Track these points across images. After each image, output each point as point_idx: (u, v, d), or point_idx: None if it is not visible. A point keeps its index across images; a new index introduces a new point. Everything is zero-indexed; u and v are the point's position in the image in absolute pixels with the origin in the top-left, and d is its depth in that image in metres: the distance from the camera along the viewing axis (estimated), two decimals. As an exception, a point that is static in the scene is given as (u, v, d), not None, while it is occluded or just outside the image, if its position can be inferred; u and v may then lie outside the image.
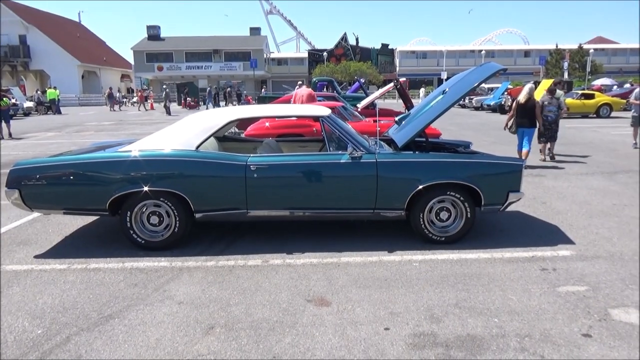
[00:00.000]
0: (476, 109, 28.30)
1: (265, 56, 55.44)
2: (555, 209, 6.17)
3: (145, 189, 4.55)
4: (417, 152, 5.02)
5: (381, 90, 14.22)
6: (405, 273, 4.16)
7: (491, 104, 25.96)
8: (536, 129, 9.14)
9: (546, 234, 5.11)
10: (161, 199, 4.66)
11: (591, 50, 45.39)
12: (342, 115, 10.00)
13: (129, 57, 55.28)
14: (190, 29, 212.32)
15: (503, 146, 12.10)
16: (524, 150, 9.01)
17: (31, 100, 31.35)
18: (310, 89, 11.57)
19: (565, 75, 38.27)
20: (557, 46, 51.14)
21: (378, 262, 4.41)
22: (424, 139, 6.17)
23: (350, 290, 3.84)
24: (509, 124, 9.45)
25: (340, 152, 4.72)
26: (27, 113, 29.00)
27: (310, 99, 11.19)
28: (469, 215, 4.77)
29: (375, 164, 4.65)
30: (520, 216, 5.84)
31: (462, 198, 4.73)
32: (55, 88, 32.23)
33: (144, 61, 52.35)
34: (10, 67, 45.48)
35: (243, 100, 37.11)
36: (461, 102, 31.40)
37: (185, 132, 4.82)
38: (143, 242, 4.75)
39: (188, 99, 34.76)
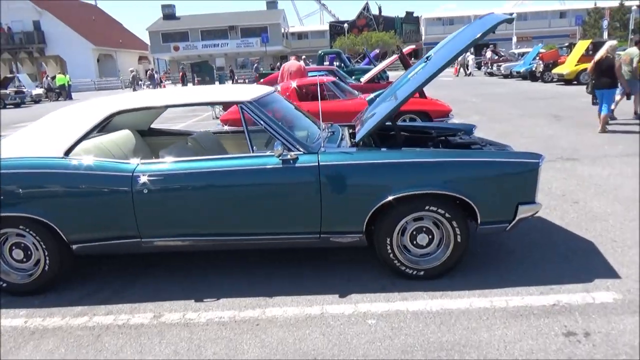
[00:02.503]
0: (505, 76, 25.92)
1: (283, 30, 53.46)
2: (591, 212, 4.54)
3: (-7, 215, 3.23)
4: (383, 149, 3.48)
5: (385, 62, 12.55)
6: (350, 343, 2.70)
7: (521, 70, 23.59)
8: (617, 89, 8.39)
9: (577, 260, 3.53)
10: (21, 226, 3.33)
11: (634, 7, 41.49)
12: (332, 90, 8.47)
13: (146, 39, 54.34)
14: (206, 6, 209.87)
15: (532, 119, 10.29)
16: (602, 114, 8.36)
17: (41, 87, 30.73)
18: (300, 63, 10.02)
19: (605, 36, 35.00)
20: (595, 4, 47.21)
21: (317, 318, 2.97)
22: (408, 125, 4.65)
23: (253, 380, 2.44)
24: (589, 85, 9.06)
25: (269, 153, 3.25)
26: (36, 100, 28.38)
27: (299, 74, 9.66)
28: (458, 239, 3.25)
29: (316, 168, 3.17)
30: (540, 226, 4.25)
31: (448, 215, 3.21)
32: (65, 73, 31.53)
33: (160, 42, 51.29)
34: (27, 54, 45.23)
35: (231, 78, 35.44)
36: (489, 70, 29.00)
37: (52, 132, 3.44)
38: (4, 284, 3.45)
39: (197, 78, 33.49)
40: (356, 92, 9.10)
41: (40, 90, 29.63)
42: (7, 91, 26.08)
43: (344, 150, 3.28)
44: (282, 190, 3.22)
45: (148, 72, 34.96)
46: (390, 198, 3.14)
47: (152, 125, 4.83)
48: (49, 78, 31.28)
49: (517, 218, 3.21)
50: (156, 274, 3.70)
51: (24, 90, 27.21)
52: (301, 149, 3.23)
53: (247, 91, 3.51)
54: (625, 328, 2.66)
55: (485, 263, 3.56)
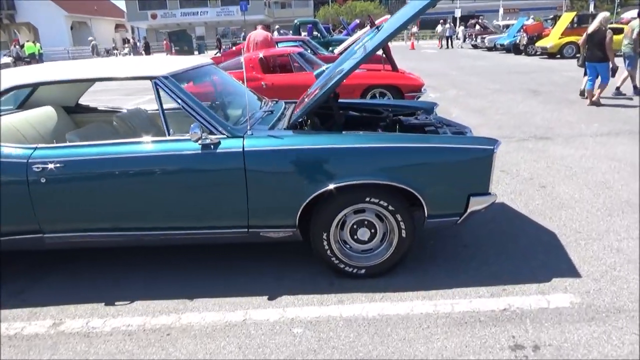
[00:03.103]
0: (489, 49, 25.39)
1: (265, -2, 51.81)
2: (557, 198, 4.21)
3: None
4: (317, 132, 3.06)
5: (359, 33, 11.98)
6: (268, 358, 2.35)
7: (505, 43, 23.07)
8: (609, 64, 7.95)
9: (536, 255, 3.21)
10: None
11: (622, -21, 40.93)
12: (297, 62, 7.97)
13: (122, 5, 52.26)
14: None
15: (510, 94, 9.92)
16: (602, 83, 8.13)
17: (9, 56, 29.40)
18: (267, 33, 9.43)
19: (591, 8, 34.47)
20: (583, -25, 46.48)
21: (237, 326, 2.60)
22: (359, 103, 4.24)
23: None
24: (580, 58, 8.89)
25: (187, 136, 2.81)
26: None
27: (266, 44, 9.10)
28: (403, 234, 2.89)
29: (241, 154, 2.75)
30: (501, 215, 3.92)
31: (391, 207, 2.83)
32: (35, 42, 30.16)
33: (137, 9, 49.31)
34: (-3, 21, 43.23)
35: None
36: (473, 43, 28.46)
37: None
38: None
39: (175, 48, 32.45)
40: (324, 64, 8.58)
41: (8, 59, 28.32)
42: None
43: (274, 133, 2.86)
44: (203, 179, 2.81)
45: (132, 41, 33.60)
46: (324, 189, 2.76)
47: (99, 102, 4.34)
48: (17, 46, 29.91)
49: (468, 211, 2.85)
50: (67, 272, 3.30)
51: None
52: (225, 132, 2.81)
53: (164, 64, 3.04)
54: (580, 340, 2.34)
55: (436, 259, 3.21)
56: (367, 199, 2.82)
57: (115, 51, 39.85)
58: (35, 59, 29.07)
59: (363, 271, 2.98)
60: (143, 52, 34.09)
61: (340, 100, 4.13)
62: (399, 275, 3.00)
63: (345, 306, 2.73)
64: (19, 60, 29.24)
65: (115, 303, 2.88)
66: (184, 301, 2.86)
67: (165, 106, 2.92)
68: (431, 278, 2.97)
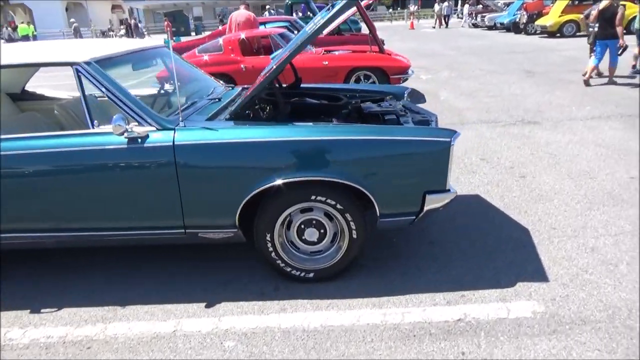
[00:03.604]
0: (489, 28, 24.74)
1: (264, -23, 50.75)
2: (537, 189, 3.94)
3: None
4: (260, 123, 2.77)
5: (346, 14, 11.53)
6: (188, 378, 2.13)
7: (505, 22, 22.44)
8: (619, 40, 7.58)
9: (503, 255, 2.95)
10: None
11: (629, -46, 39.68)
12: (279, 43, 7.63)
13: (119, -14, 51.34)
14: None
15: (504, 76, 9.55)
16: (611, 63, 7.94)
17: (1, 38, 28.98)
18: (249, 13, 9.03)
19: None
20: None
21: (165, 339, 2.37)
22: (320, 87, 3.95)
23: None
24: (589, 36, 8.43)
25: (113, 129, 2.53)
26: (-4, 53, 26.78)
27: (248, 25, 8.73)
28: (354, 235, 2.64)
29: (171, 148, 2.49)
30: (473, 209, 3.66)
31: (340, 206, 2.58)
32: (29, 23, 29.68)
33: (134, -11, 48.52)
34: (-10, 2, 42.57)
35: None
36: (473, 22, 27.75)
37: None
38: None
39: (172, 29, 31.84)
40: (310, 46, 8.22)
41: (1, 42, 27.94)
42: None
43: (210, 125, 2.58)
44: (130, 176, 2.55)
45: (133, 22, 32.86)
46: (263, 187, 2.50)
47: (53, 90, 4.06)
48: (9, 29, 29.45)
49: (425, 210, 2.59)
50: (18, 275, 3.07)
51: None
52: (154, 125, 2.54)
53: (89, 49, 2.76)
54: (536, 357, 2.10)
55: (397, 258, 2.97)
56: (313, 197, 2.56)
57: (111, 33, 39.27)
58: (29, 41, 28.65)
59: (312, 275, 2.74)
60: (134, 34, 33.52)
61: (303, 85, 3.85)
62: (352, 278, 2.76)
63: (286, 315, 2.49)
64: (10, 42, 28.85)
65: (41, 310, 2.65)
66: (115, 308, 2.63)
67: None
68: (386, 282, 2.73)
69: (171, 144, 2.49)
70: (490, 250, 3.01)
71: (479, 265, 2.83)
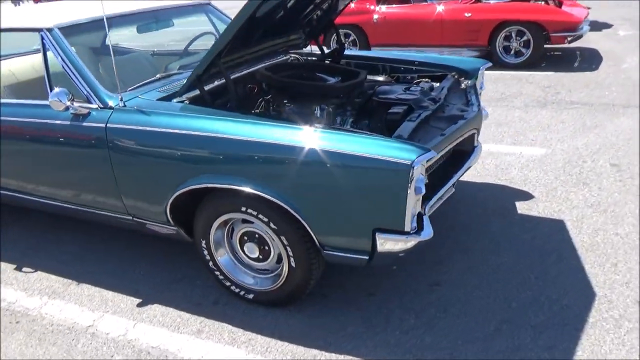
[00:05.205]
0: None
1: None
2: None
3: None
4: (207, 110, 2.22)
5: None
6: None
7: None
8: None
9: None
10: None
11: None
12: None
13: None
14: None
15: None
16: None
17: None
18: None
19: None
20: None
21: (78, 332, 2.24)
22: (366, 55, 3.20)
23: None
24: None
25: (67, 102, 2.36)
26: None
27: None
28: (292, 264, 2.07)
29: (103, 130, 2.24)
30: (537, 242, 2.60)
31: (273, 225, 2.02)
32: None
33: None
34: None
35: None
36: None
37: None
38: None
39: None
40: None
41: None
42: None
43: (150, 107, 2.22)
44: (73, 155, 2.41)
45: None
46: (190, 188, 2.09)
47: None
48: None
49: (377, 250, 1.86)
50: None
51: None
52: (97, 102, 2.30)
53: (60, 13, 2.60)
54: None
55: (329, 302, 2.28)
56: (244, 209, 2.06)
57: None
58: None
59: (251, 296, 2.28)
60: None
61: (349, 53, 3.18)
62: (301, 312, 2.22)
63: (194, 341, 2.13)
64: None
65: (23, 269, 2.79)
66: (70, 283, 2.60)
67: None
68: (336, 329, 2.12)
69: (104, 125, 2.23)
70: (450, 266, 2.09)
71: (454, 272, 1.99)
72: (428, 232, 1.83)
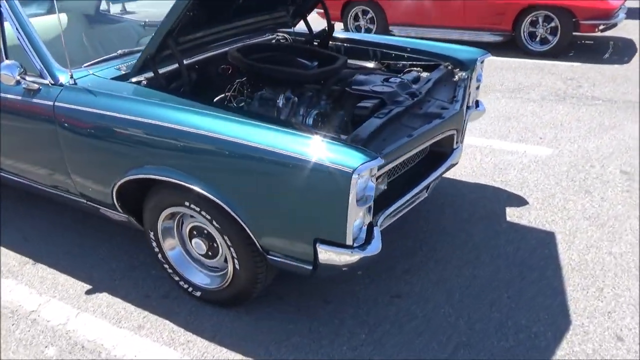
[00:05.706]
0: None
1: None
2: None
3: None
4: (156, 93, 2.03)
5: None
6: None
7: None
8: None
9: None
10: None
11: None
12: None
13: None
14: None
15: None
16: None
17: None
18: None
19: None
20: None
21: (19, 317, 2.16)
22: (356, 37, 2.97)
23: None
24: None
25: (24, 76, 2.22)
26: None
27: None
28: (236, 266, 1.92)
29: (51, 108, 2.10)
30: (517, 262, 2.38)
31: (216, 223, 1.87)
32: None
33: None
34: None
35: None
36: None
37: None
38: None
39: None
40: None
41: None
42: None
43: (93, 87, 2.05)
44: (25, 132, 2.30)
45: None
46: (134, 177, 1.96)
47: None
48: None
49: (319, 262, 1.69)
50: None
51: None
52: (49, 78, 2.16)
53: None
54: None
55: (277, 307, 2.13)
56: (187, 204, 1.91)
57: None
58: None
59: (199, 294, 2.15)
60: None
61: (338, 35, 2.95)
62: (241, 315, 2.08)
63: (132, 338, 2.02)
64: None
65: (-15, 243, 2.74)
66: (27, 262, 2.53)
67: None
68: (281, 333, 1.97)
69: (52, 103, 2.10)
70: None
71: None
72: (375, 247, 1.64)
